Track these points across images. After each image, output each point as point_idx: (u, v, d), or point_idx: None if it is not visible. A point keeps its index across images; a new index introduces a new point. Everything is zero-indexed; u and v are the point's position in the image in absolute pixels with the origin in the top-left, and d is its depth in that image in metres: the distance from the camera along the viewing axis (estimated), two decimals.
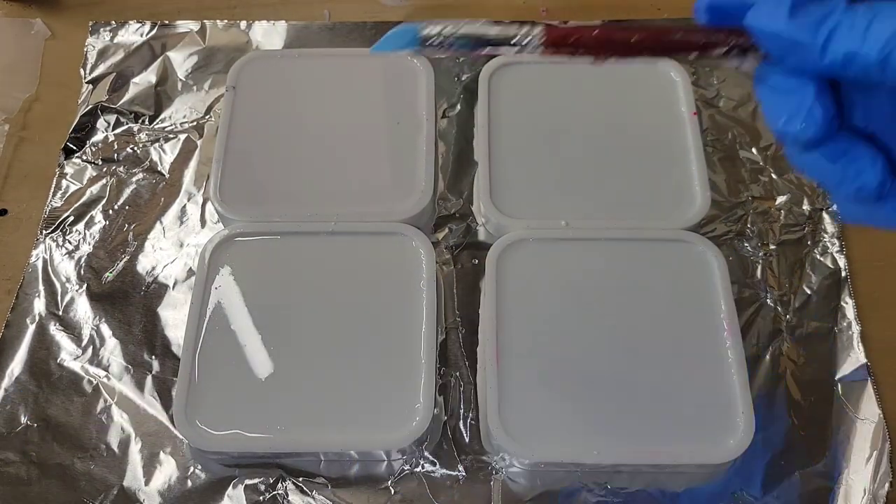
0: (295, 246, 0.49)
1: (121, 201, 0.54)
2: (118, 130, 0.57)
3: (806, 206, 0.52)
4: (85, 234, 0.52)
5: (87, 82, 0.58)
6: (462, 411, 0.46)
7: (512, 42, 0.33)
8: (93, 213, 0.53)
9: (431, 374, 0.45)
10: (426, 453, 0.45)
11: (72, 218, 0.53)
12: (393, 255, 0.49)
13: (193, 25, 0.61)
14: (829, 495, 0.44)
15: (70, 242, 0.52)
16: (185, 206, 0.54)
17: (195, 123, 0.57)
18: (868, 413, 0.46)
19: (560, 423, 0.44)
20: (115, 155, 0.56)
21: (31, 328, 0.49)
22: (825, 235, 0.51)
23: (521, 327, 0.46)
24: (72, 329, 0.49)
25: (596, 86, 0.55)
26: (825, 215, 0.52)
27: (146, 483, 0.45)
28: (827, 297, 0.49)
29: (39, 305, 0.50)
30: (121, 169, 0.55)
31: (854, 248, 0.51)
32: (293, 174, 0.52)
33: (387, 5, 0.62)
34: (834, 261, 0.51)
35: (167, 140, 0.56)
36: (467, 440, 0.46)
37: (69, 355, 0.48)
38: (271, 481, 0.44)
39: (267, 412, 0.44)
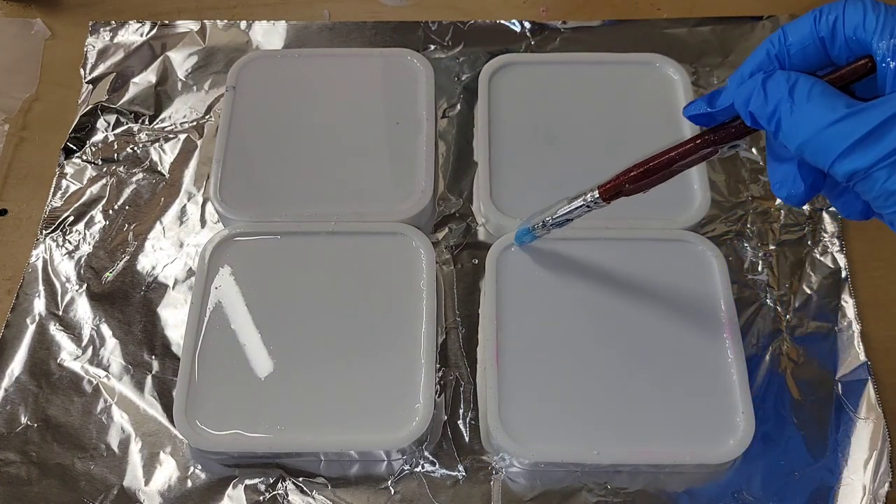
0: (295, 246, 0.49)
1: (121, 201, 0.54)
2: (118, 130, 0.57)
3: (806, 206, 0.52)
4: (85, 234, 0.52)
5: (87, 82, 0.58)
6: (462, 411, 0.46)
7: (578, 206, 0.42)
8: (93, 213, 0.53)
9: (431, 374, 0.45)
10: (426, 453, 0.45)
11: (72, 218, 0.53)
12: (393, 255, 0.49)
13: (193, 25, 0.61)
14: (829, 495, 0.44)
15: (70, 242, 0.52)
16: (185, 206, 0.54)
17: (195, 123, 0.57)
18: (868, 413, 0.46)
19: (560, 423, 0.44)
20: (115, 155, 0.56)
21: (31, 328, 0.49)
22: (825, 235, 0.51)
23: (520, 327, 0.46)
24: (72, 329, 0.49)
25: (596, 86, 0.55)
26: (825, 215, 0.52)
27: (146, 483, 0.45)
28: (827, 296, 0.49)
29: (39, 305, 0.50)
30: (121, 169, 0.55)
31: (854, 247, 0.51)
32: (293, 174, 0.52)
33: (387, 5, 0.62)
34: (834, 261, 0.51)
35: (167, 140, 0.56)
36: (467, 440, 0.46)
37: (69, 355, 0.48)
38: (271, 481, 0.44)
39: (267, 412, 0.44)
